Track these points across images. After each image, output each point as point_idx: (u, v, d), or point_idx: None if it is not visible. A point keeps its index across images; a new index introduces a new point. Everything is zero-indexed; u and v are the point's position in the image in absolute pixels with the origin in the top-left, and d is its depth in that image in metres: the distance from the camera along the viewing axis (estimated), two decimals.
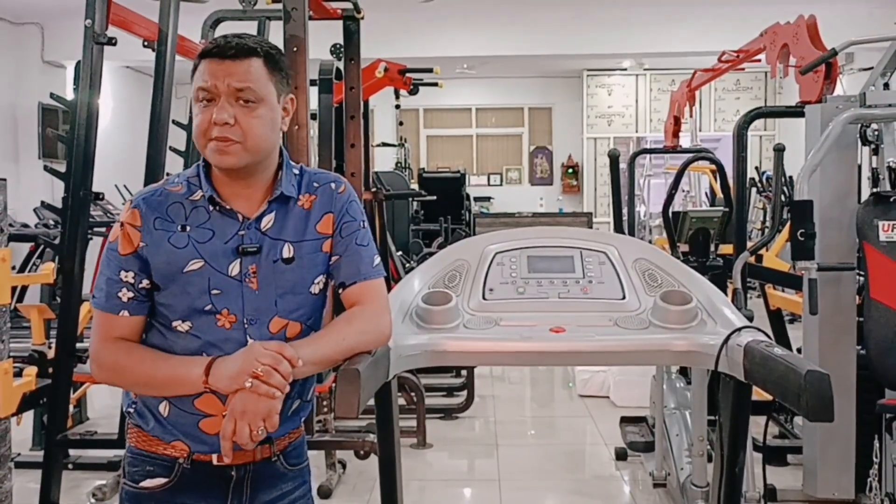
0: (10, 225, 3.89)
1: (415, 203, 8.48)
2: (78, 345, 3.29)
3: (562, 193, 12.75)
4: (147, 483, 1.49)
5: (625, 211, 5.20)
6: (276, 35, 2.89)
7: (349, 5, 3.77)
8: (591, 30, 8.87)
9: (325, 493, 3.63)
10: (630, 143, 11.81)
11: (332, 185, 1.54)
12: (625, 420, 4.39)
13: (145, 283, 1.44)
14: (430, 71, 5.69)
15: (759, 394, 1.87)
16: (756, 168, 10.26)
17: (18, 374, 3.04)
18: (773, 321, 4.17)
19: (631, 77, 11.86)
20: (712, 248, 3.73)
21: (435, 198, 7.51)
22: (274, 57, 1.46)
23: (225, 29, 3.57)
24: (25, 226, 5.85)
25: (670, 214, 3.88)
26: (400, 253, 6.23)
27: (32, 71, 8.61)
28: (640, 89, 11.90)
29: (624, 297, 1.77)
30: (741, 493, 1.83)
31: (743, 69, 6.56)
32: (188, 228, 1.44)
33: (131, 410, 1.51)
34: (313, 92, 3.64)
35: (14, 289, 3.47)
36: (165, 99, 3.34)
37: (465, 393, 5.15)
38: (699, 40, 8.53)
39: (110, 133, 8.54)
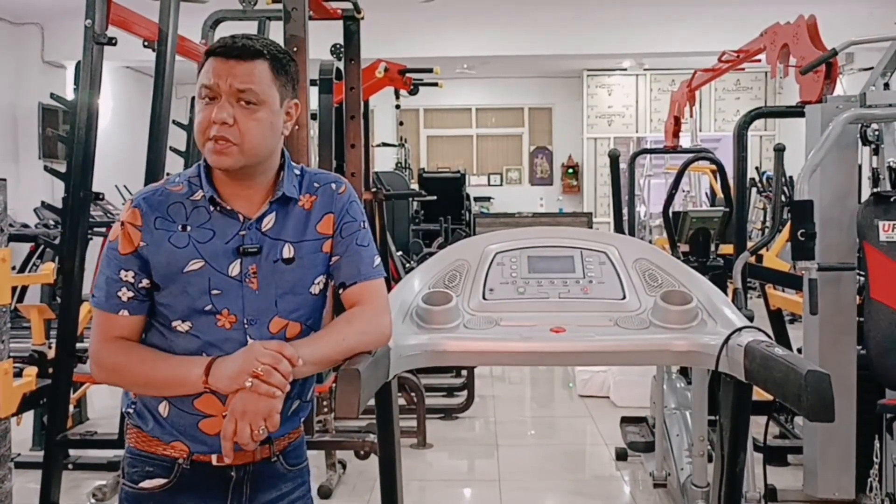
0: (10, 225, 3.89)
1: (415, 203, 8.48)
2: (78, 345, 3.29)
3: (562, 193, 12.75)
4: (146, 484, 1.48)
5: (625, 211, 5.20)
6: (276, 35, 2.89)
7: (349, 5, 3.77)
8: (591, 30, 8.87)
9: (325, 493, 3.63)
10: (630, 143, 11.81)
11: (333, 185, 1.54)
12: (625, 420, 4.39)
13: (145, 282, 1.44)
14: (430, 71, 5.69)
15: (759, 394, 1.86)
16: (756, 168, 10.26)
17: (18, 374, 3.04)
18: (774, 321, 4.17)
19: (631, 77, 11.86)
20: (712, 248, 3.73)
21: (435, 198, 7.51)
22: (281, 61, 1.45)
23: (225, 29, 3.58)
24: (25, 226, 5.85)
25: (670, 214, 3.88)
26: (400, 253, 6.23)
27: (32, 71, 8.61)
28: (640, 89, 11.90)
29: (624, 297, 1.77)
30: (741, 494, 1.83)
31: (743, 69, 6.56)
32: (189, 228, 1.44)
33: (130, 411, 1.51)
34: (313, 92, 3.64)
35: (14, 289, 3.47)
36: (165, 99, 3.34)
37: (465, 393, 5.15)
38: (699, 40, 8.53)
39: (110, 133, 8.55)
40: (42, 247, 5.29)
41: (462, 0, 8.26)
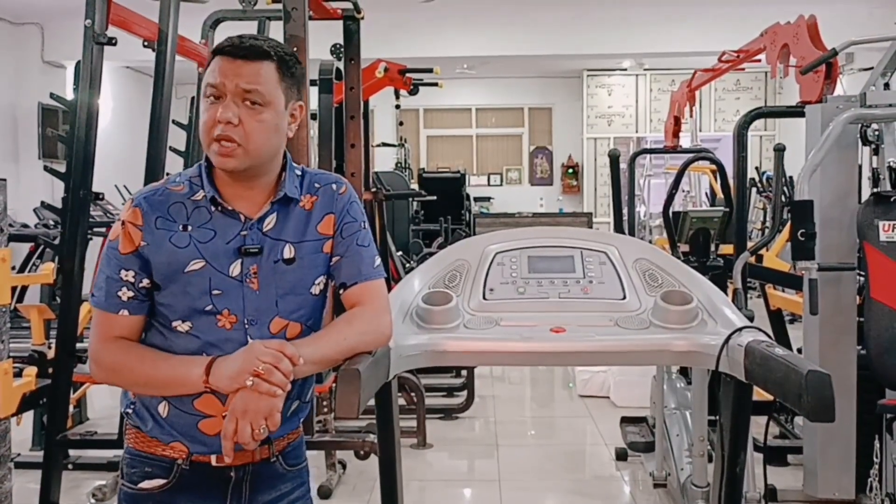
0: (10, 225, 3.89)
1: (415, 203, 8.48)
2: (78, 345, 3.29)
3: (562, 193, 12.75)
4: (145, 484, 1.48)
5: (625, 211, 5.20)
6: (275, 35, 2.89)
7: (349, 5, 3.77)
8: (591, 30, 8.87)
9: (325, 493, 3.62)
10: (630, 143, 11.80)
11: (334, 185, 1.54)
12: (625, 420, 4.39)
13: (145, 282, 1.44)
14: (430, 71, 5.69)
15: (759, 394, 1.86)
16: (756, 168, 10.26)
17: (18, 374, 3.04)
18: (774, 321, 4.17)
19: (631, 77, 11.86)
20: (713, 248, 3.72)
21: (435, 198, 7.51)
22: (287, 63, 1.46)
23: (224, 29, 3.58)
24: (25, 226, 5.85)
25: (670, 214, 3.88)
26: (400, 253, 6.23)
27: (32, 71, 8.61)
28: (640, 89, 11.90)
29: (624, 298, 1.77)
30: (742, 494, 1.83)
31: (743, 69, 6.56)
32: (190, 228, 1.44)
33: (129, 411, 1.51)
34: (313, 92, 3.64)
35: (14, 289, 3.47)
36: (165, 99, 3.34)
37: (465, 393, 5.15)
38: (699, 40, 8.53)
39: (110, 133, 8.55)
40: (42, 247, 5.29)
41: (462, 0, 8.26)
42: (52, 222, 5.49)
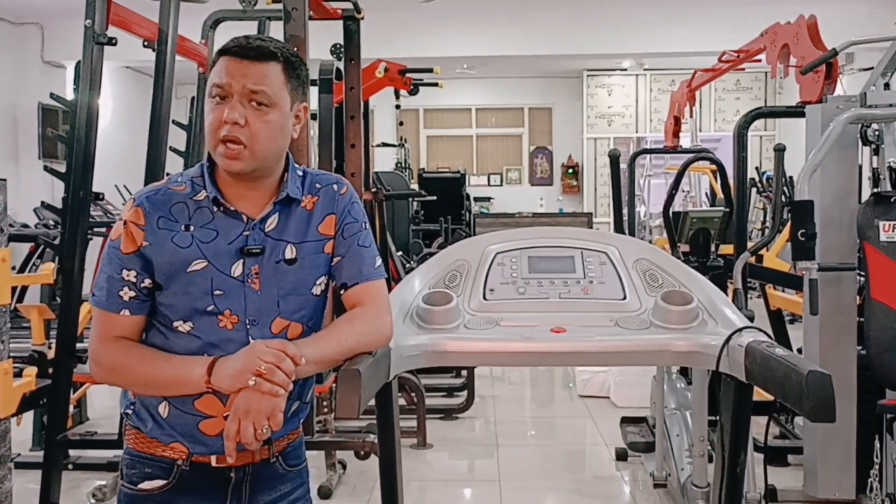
0: (10, 225, 3.89)
1: (415, 203, 8.48)
2: (78, 345, 3.29)
3: (562, 194, 12.75)
4: (145, 485, 1.48)
5: (625, 211, 5.20)
6: (276, 35, 2.89)
7: (349, 5, 3.77)
8: (591, 30, 8.87)
9: (325, 493, 3.62)
10: (630, 144, 11.80)
11: (335, 186, 1.54)
12: (625, 420, 4.39)
13: (147, 282, 1.44)
14: (430, 71, 5.69)
15: (759, 394, 1.86)
16: (756, 168, 10.26)
17: (18, 374, 3.04)
18: (774, 321, 4.17)
19: (631, 77, 11.86)
20: (713, 248, 3.73)
21: (435, 198, 7.51)
22: (293, 64, 1.46)
23: (224, 29, 3.57)
24: (25, 226, 5.85)
25: (671, 215, 3.88)
26: (400, 253, 6.23)
27: (32, 71, 8.61)
28: (640, 89, 11.90)
29: (625, 298, 1.77)
30: (742, 494, 1.83)
31: (743, 69, 6.56)
32: (192, 228, 1.44)
33: (129, 412, 1.50)
34: (313, 92, 3.64)
35: (14, 289, 3.47)
36: (165, 99, 3.34)
37: (465, 393, 5.15)
38: (699, 40, 8.53)
39: (110, 133, 8.54)
40: (42, 247, 5.29)
41: (462, 0, 8.26)
42: (52, 222, 5.49)
